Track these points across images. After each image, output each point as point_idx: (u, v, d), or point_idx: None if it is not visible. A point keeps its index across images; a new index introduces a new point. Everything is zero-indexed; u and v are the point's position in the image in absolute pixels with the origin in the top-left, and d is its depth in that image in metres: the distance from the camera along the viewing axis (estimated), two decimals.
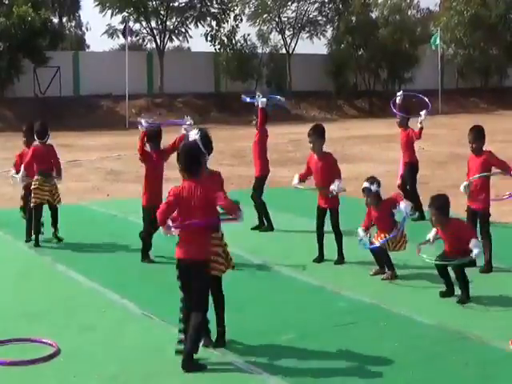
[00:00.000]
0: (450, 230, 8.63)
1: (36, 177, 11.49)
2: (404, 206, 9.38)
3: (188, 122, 10.16)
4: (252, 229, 12.46)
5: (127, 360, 6.91)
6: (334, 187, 9.95)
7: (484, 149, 9.98)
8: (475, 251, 8.32)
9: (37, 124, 11.77)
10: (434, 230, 8.85)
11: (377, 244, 9.51)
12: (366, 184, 9.70)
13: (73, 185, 17.50)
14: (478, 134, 9.94)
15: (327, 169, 10.26)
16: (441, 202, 8.72)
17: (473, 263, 8.77)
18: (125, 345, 7.27)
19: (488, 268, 9.71)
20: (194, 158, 6.85)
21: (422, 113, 13.44)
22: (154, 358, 6.91)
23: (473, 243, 8.36)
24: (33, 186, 11.50)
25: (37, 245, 11.45)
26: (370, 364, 6.71)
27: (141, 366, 6.74)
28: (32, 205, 11.53)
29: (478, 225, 9.88)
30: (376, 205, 9.65)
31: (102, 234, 12.42)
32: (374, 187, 9.63)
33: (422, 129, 13.32)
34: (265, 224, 12.65)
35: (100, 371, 6.66)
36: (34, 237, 11.54)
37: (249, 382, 6.43)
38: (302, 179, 10.54)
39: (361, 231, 9.68)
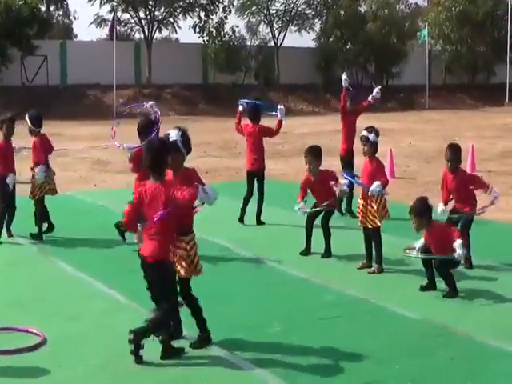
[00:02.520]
0: (435, 234, 8.64)
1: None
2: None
3: (150, 103, 10.43)
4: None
5: (114, 350, 6.91)
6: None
7: (460, 167, 9.90)
8: (458, 251, 8.31)
9: (34, 112, 11.60)
10: (421, 241, 8.78)
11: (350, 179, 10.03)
12: (364, 132, 9.74)
13: (60, 174, 17.40)
14: (455, 154, 9.72)
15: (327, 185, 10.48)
16: (421, 208, 8.68)
17: (456, 263, 8.74)
18: (112, 335, 7.27)
19: (469, 265, 9.71)
20: (158, 157, 6.72)
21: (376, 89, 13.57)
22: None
23: (457, 244, 8.33)
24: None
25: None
26: (356, 358, 6.73)
27: (128, 356, 6.72)
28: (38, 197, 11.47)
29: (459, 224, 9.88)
30: (371, 156, 9.70)
31: (89, 224, 12.40)
32: (371, 136, 9.64)
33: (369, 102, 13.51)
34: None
35: (87, 361, 6.65)
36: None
37: (234, 375, 6.43)
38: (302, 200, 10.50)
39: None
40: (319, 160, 10.43)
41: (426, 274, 8.80)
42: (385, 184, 9.52)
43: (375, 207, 9.51)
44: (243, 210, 12.57)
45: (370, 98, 13.43)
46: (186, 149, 7.13)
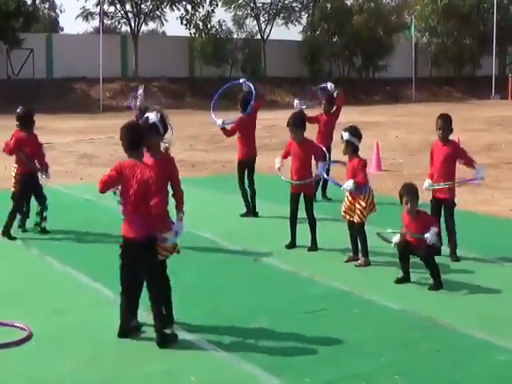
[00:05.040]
0: (420, 222, 8.68)
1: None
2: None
3: (140, 91, 10.89)
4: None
5: (100, 344, 6.89)
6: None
7: (450, 138, 9.99)
8: (427, 235, 8.40)
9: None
10: (398, 236, 8.81)
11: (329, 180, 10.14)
12: (341, 132, 9.78)
13: None
14: (446, 122, 9.81)
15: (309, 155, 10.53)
16: (415, 190, 8.77)
17: (438, 250, 8.77)
18: (97, 328, 7.25)
19: (455, 258, 9.75)
20: (135, 137, 6.84)
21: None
22: (127, 342, 6.88)
23: (431, 231, 8.44)
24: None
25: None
26: (342, 351, 6.73)
27: (114, 350, 6.72)
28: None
29: (443, 215, 9.93)
30: (350, 154, 9.71)
31: (75, 218, 12.36)
32: (345, 135, 9.66)
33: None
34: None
35: (72, 355, 6.63)
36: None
37: (221, 368, 6.42)
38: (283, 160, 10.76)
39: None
40: (303, 129, 10.48)
41: (400, 267, 8.84)
42: (359, 183, 9.46)
43: (363, 204, 9.52)
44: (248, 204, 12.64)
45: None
46: (164, 130, 7.40)
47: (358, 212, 9.57)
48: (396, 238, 8.80)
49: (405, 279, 8.80)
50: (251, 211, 12.63)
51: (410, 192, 8.76)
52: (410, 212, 8.74)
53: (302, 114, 11.12)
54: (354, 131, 9.73)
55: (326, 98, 14.02)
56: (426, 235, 8.42)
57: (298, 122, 10.43)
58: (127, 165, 6.79)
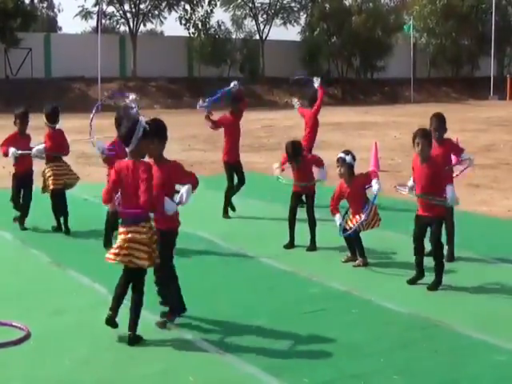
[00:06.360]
0: (431, 168, 8.59)
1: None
2: (375, 182, 9.39)
3: (131, 97, 10.61)
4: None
5: (99, 344, 6.89)
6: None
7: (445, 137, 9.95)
8: (450, 194, 8.44)
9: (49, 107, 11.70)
10: (411, 181, 8.87)
11: (351, 230, 9.51)
12: (340, 154, 9.71)
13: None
14: (441, 122, 9.67)
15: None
16: (428, 134, 8.71)
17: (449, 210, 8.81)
18: (96, 329, 7.23)
19: (451, 258, 9.73)
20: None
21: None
22: (126, 343, 6.88)
23: (449, 188, 8.48)
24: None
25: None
26: (341, 351, 6.73)
27: (112, 350, 6.72)
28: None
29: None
30: (348, 178, 9.65)
31: (73, 218, 12.33)
32: (348, 158, 9.63)
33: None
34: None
35: (71, 355, 6.63)
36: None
37: (219, 368, 6.42)
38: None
39: (337, 218, 9.67)
40: (300, 156, 10.48)
41: (415, 262, 8.76)
42: (375, 175, 9.56)
43: (364, 217, 9.47)
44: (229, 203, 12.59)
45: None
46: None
47: (354, 221, 9.54)
48: (410, 182, 8.88)
49: (418, 277, 8.73)
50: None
51: (422, 135, 8.61)
52: (420, 155, 8.66)
53: (296, 143, 10.75)
54: (353, 155, 9.76)
55: (310, 96, 13.99)
56: (448, 196, 8.44)
57: (297, 152, 10.44)
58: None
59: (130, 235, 6.82)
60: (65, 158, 11.88)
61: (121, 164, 6.92)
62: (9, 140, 11.48)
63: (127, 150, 6.88)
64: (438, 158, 8.98)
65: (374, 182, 9.40)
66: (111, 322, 6.96)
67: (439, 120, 9.68)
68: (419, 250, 8.73)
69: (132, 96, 10.86)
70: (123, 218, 6.93)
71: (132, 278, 7.04)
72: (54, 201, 11.51)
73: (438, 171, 8.64)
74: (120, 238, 6.89)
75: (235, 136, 12.53)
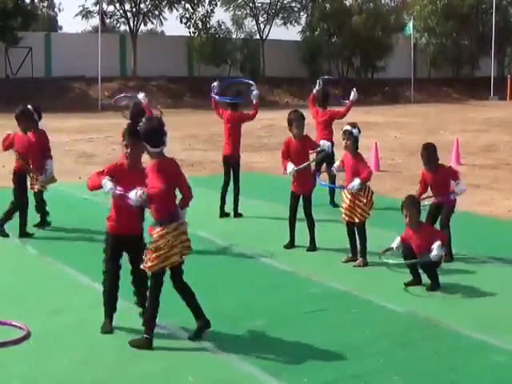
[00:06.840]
0: (423, 234, 8.66)
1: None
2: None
3: (140, 96, 10.98)
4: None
5: (98, 343, 6.89)
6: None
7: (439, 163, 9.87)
8: (435, 252, 8.36)
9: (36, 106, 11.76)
10: (398, 239, 8.84)
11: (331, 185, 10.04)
12: (347, 127, 9.74)
13: None
14: (430, 154, 9.71)
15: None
16: (415, 203, 8.75)
17: (437, 263, 8.68)
18: (96, 328, 7.23)
19: (449, 258, 9.72)
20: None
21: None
22: (126, 343, 6.88)
23: (436, 245, 8.39)
24: None
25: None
26: (341, 351, 6.72)
27: (112, 350, 6.72)
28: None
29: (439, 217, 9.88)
30: (354, 150, 9.70)
31: (74, 217, 12.35)
32: (355, 131, 9.66)
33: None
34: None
35: (71, 354, 6.62)
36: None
37: (219, 368, 6.42)
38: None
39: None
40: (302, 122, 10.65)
41: (409, 270, 8.81)
42: (365, 180, 9.51)
43: (364, 200, 9.52)
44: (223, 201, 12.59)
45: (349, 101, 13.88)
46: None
47: (360, 210, 9.55)
48: (396, 242, 8.80)
49: (414, 282, 8.73)
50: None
51: (409, 205, 8.73)
52: (410, 226, 8.73)
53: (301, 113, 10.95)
54: (359, 128, 9.82)
55: (322, 96, 14.01)
56: (432, 254, 8.37)
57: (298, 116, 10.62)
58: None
59: (177, 231, 6.98)
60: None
61: (165, 164, 6.92)
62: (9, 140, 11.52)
63: (158, 149, 6.86)
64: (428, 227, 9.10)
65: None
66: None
67: (428, 153, 9.73)
68: (406, 255, 8.77)
69: (141, 94, 11.16)
70: (163, 219, 6.89)
71: (179, 273, 7.17)
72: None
73: (430, 237, 8.62)
74: (166, 237, 6.87)
75: (232, 133, 12.51)
